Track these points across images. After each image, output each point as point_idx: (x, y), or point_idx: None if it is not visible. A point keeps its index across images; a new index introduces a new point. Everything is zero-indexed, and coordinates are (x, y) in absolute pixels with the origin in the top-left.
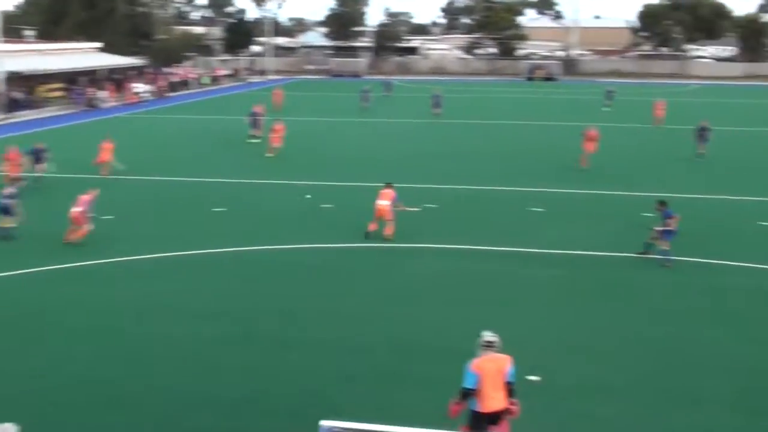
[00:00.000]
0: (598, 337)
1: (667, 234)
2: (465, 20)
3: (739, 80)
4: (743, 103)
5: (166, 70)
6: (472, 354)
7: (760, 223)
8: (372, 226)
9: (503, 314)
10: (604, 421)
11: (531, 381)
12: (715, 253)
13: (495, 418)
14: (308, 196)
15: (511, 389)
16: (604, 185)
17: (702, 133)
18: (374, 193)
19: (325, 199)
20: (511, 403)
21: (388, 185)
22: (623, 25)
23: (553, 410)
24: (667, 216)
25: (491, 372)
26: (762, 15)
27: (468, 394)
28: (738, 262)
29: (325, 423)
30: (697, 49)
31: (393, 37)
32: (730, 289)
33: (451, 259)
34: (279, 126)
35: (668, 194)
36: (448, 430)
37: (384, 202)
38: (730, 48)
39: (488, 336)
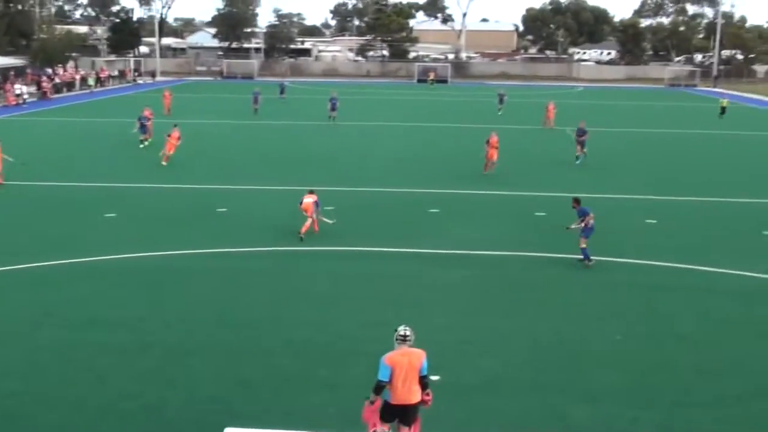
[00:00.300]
0: (500, 335)
1: (585, 231)
2: (356, 22)
3: (621, 82)
4: (627, 105)
5: (48, 70)
6: (375, 356)
7: (648, 221)
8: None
9: (407, 315)
10: (508, 416)
11: (432, 380)
12: (608, 250)
13: (407, 411)
14: (205, 201)
15: (425, 382)
16: (501, 185)
17: (580, 136)
18: (269, 196)
19: (220, 203)
20: (426, 395)
21: (311, 192)
22: (510, 28)
23: (458, 408)
24: (583, 213)
25: (405, 365)
26: (640, 20)
27: (382, 386)
28: (630, 259)
29: (230, 431)
30: (581, 53)
31: (285, 39)
32: (622, 286)
33: (353, 261)
34: (175, 133)
35: (561, 193)
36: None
37: (309, 200)
38: (611, 51)
39: (402, 330)
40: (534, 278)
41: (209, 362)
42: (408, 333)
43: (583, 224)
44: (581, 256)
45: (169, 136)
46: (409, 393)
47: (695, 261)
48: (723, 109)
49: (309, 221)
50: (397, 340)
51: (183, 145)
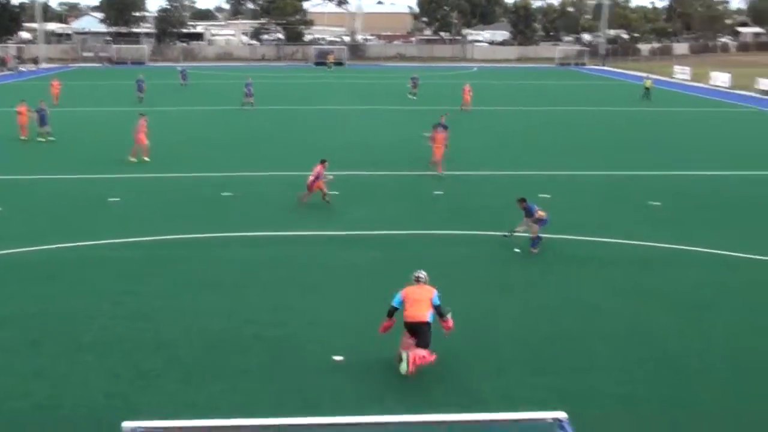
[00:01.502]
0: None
1: (540, 222)
2: (250, 6)
3: (513, 62)
4: (520, 84)
5: None
6: (281, 340)
7: (542, 195)
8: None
9: (313, 298)
10: (416, 394)
11: (336, 361)
12: (507, 225)
13: (416, 327)
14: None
15: (440, 311)
16: (398, 167)
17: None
18: (164, 183)
19: (113, 192)
20: (445, 321)
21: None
22: (405, 10)
23: (366, 387)
24: (530, 211)
25: (415, 295)
26: (531, 2)
27: (392, 311)
28: (529, 233)
29: (127, 424)
30: (474, 34)
31: (176, 23)
32: (523, 259)
33: (258, 246)
34: (142, 122)
35: (453, 172)
36: (259, 417)
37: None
38: (503, 32)
39: (417, 273)
40: (439, 256)
41: (105, 357)
42: (421, 275)
43: (532, 222)
44: (531, 245)
45: (137, 129)
46: (418, 312)
47: (590, 233)
48: (647, 90)
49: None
50: (413, 279)
51: (72, 133)
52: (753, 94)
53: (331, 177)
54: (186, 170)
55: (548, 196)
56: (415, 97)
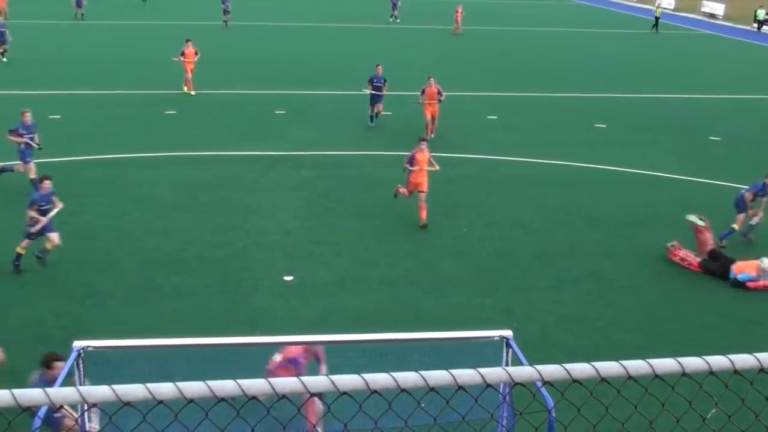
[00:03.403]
0: (350, 233)
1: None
2: None
3: None
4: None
5: None
6: (225, 261)
7: (489, 117)
8: None
9: (256, 218)
10: (361, 312)
11: (286, 281)
12: (453, 147)
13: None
14: None
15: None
16: (344, 86)
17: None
18: (107, 100)
19: (54, 110)
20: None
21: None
22: None
23: (309, 305)
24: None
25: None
26: None
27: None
28: (473, 154)
29: (77, 343)
30: None
31: None
32: (466, 179)
33: (197, 167)
34: (189, 50)
35: (405, 92)
36: (208, 336)
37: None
38: None
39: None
40: (381, 177)
41: (52, 278)
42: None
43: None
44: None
45: (182, 55)
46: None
47: (534, 154)
48: (656, 20)
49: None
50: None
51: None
52: (697, 16)
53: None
54: (130, 87)
55: (496, 117)
56: (397, 20)
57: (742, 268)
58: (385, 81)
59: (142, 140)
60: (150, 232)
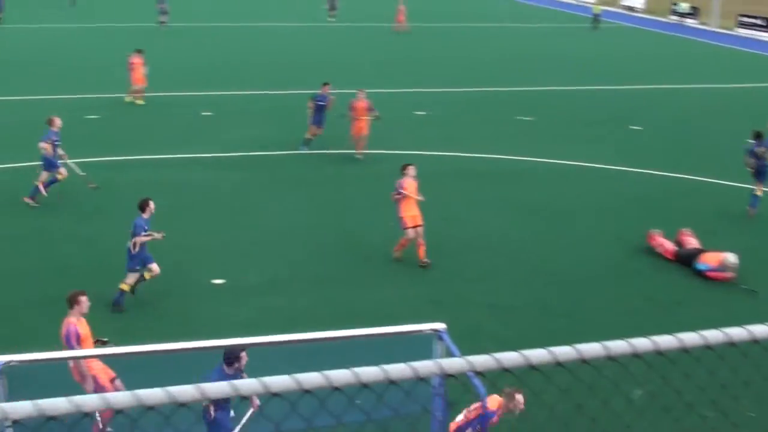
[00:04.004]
0: (282, 234)
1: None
2: None
3: None
4: None
5: None
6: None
7: (417, 112)
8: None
9: (184, 221)
10: (293, 312)
11: (215, 285)
12: (380, 143)
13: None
14: None
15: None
16: (270, 85)
17: None
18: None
19: None
20: None
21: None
22: None
23: (243, 309)
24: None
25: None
26: None
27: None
28: (399, 150)
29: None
30: None
31: None
32: (394, 175)
33: (124, 171)
34: (136, 60)
35: (346, 90)
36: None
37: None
38: None
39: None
40: (310, 176)
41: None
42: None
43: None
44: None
45: (130, 65)
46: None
47: (462, 148)
48: (596, 17)
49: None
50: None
51: None
52: (617, 9)
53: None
54: (55, 92)
55: (424, 113)
56: (334, 20)
57: (706, 259)
58: (329, 99)
59: (69, 144)
60: (68, 239)
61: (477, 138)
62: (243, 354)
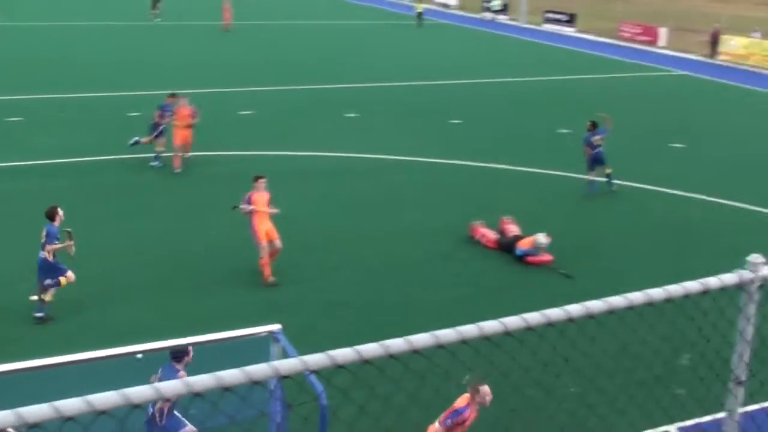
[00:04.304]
0: (97, 244)
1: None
2: None
3: None
4: None
5: None
6: None
7: (243, 112)
8: None
9: (10, 237)
10: (119, 324)
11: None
12: (209, 145)
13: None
14: None
15: None
16: (88, 87)
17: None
18: None
19: None
20: None
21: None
22: None
23: (59, 324)
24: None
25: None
26: None
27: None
28: (228, 151)
29: None
30: None
31: None
32: (220, 178)
33: None
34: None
35: (155, 91)
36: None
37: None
38: None
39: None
40: (130, 183)
41: None
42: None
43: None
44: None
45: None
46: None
47: (289, 147)
48: (419, 15)
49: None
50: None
51: None
52: (432, 6)
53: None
54: None
55: (250, 112)
56: (159, 19)
57: (523, 244)
58: (172, 111)
59: None
60: None
61: (303, 136)
62: (190, 349)
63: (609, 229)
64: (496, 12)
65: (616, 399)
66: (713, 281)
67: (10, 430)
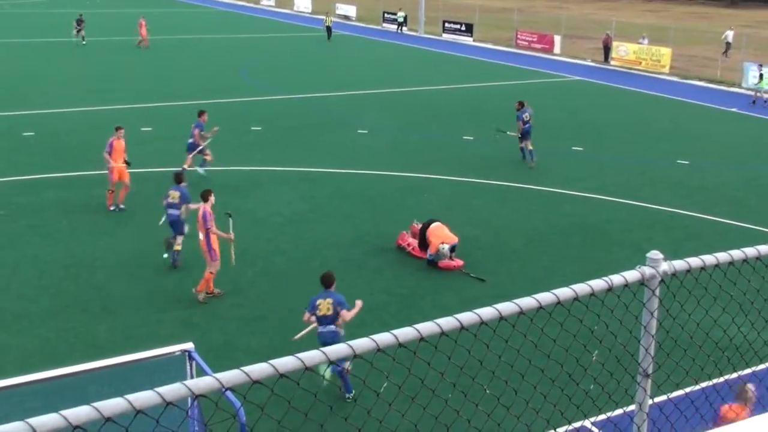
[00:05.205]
0: (5, 267)
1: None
2: None
3: None
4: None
5: None
6: None
7: (143, 129)
8: None
9: None
10: (25, 350)
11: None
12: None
13: None
14: None
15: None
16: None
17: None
18: None
19: None
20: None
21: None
22: None
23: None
24: None
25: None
26: None
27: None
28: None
29: None
30: None
31: None
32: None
33: None
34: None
35: (44, 110)
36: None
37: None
38: None
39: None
40: (32, 203)
41: None
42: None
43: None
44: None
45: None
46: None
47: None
48: (329, 30)
49: None
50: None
51: None
52: (336, 19)
53: None
54: None
55: (150, 128)
56: (84, 42)
57: (431, 250)
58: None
59: None
60: None
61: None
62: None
63: (517, 231)
64: (400, 24)
65: (531, 398)
66: (617, 278)
67: None
